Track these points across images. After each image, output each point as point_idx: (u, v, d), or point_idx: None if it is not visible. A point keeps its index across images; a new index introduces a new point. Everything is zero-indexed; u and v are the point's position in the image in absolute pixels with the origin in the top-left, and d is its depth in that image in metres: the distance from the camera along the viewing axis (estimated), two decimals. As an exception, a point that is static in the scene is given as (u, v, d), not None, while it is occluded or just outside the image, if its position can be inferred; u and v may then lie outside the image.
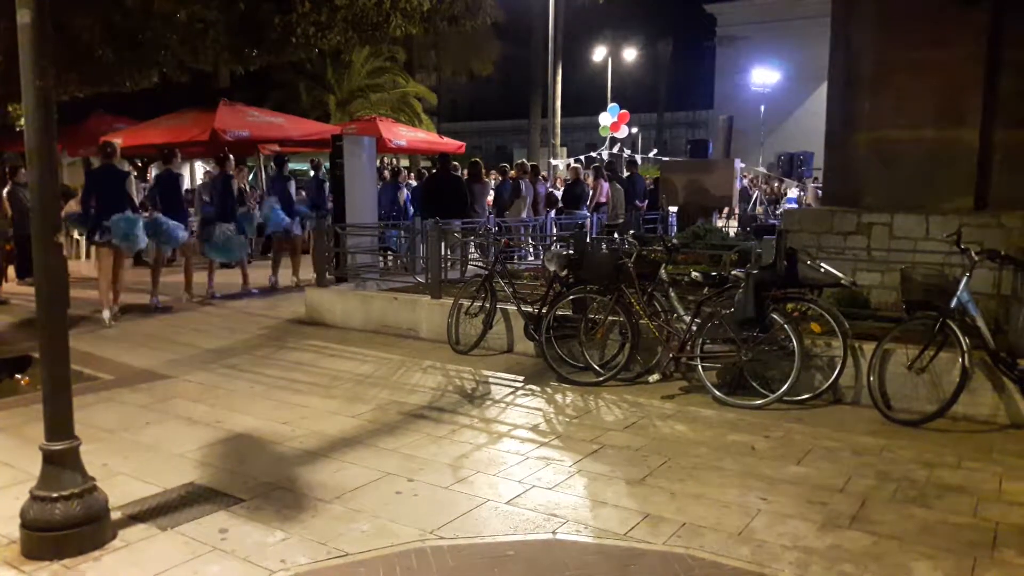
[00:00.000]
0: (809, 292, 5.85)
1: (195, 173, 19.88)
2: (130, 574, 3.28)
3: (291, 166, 13.61)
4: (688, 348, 6.02)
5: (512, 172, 13.90)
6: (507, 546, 3.52)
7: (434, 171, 13.21)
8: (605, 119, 25.41)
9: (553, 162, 24.81)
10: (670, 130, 51.95)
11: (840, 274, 5.96)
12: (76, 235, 15.00)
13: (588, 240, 7.84)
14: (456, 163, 12.29)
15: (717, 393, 5.73)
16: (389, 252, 11.70)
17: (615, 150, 24.39)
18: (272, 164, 12.92)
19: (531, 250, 12.07)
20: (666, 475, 4.34)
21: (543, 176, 16.12)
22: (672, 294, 6.27)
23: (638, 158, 21.59)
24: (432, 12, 12.59)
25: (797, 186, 22.72)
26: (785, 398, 5.56)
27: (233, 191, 10.71)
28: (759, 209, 20.49)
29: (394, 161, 22.16)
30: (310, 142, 15.53)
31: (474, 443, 4.90)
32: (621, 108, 25.64)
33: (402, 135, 18.14)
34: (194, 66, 13.16)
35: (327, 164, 11.86)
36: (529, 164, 14.51)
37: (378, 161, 15.31)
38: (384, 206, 13.42)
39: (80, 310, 9.30)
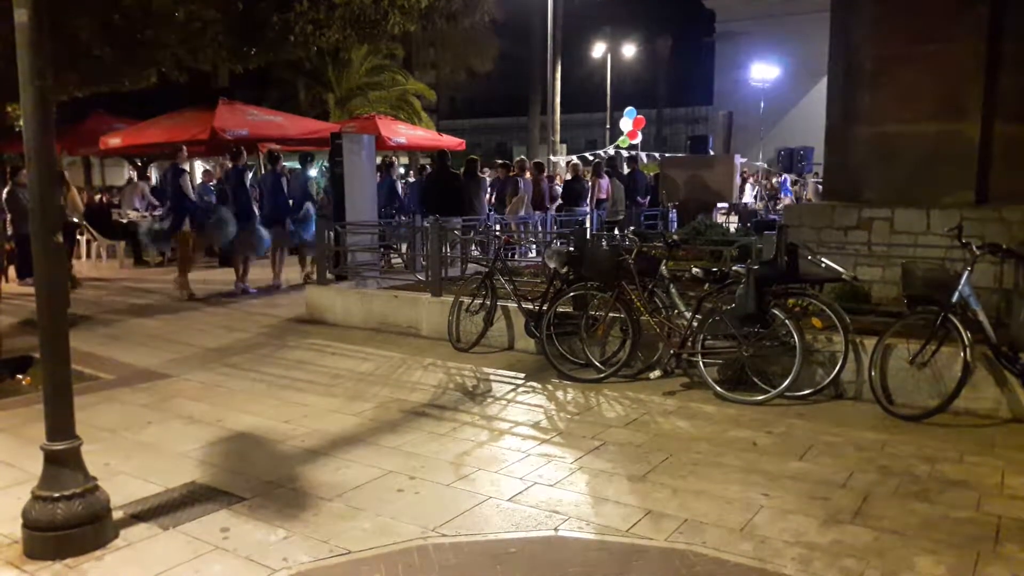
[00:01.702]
0: (810, 287, 5.86)
1: (195, 172, 19.84)
2: (132, 573, 3.28)
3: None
4: (689, 344, 6.01)
5: (513, 169, 13.89)
6: (509, 543, 3.52)
7: (431, 169, 13.18)
8: (624, 124, 25.29)
9: (553, 159, 24.76)
10: (670, 126, 51.85)
11: (841, 269, 5.97)
12: (77, 235, 14.98)
13: (588, 237, 7.84)
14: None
15: (718, 389, 5.72)
16: (390, 250, 11.70)
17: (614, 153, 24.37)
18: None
19: (532, 247, 12.05)
20: (668, 471, 4.34)
21: (548, 175, 16.09)
22: (673, 290, 6.27)
23: (643, 156, 21.50)
24: (430, 9, 12.52)
25: (793, 184, 22.08)
26: (786, 394, 5.56)
27: (283, 188, 11.61)
28: (758, 204, 20.40)
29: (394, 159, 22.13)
30: (309, 140, 15.51)
31: (475, 440, 4.90)
32: (626, 106, 25.63)
33: (401, 133, 18.10)
34: (193, 65, 13.13)
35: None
36: (532, 161, 14.48)
37: (378, 159, 15.27)
38: (381, 201, 13.38)
39: (79, 310, 9.30)
